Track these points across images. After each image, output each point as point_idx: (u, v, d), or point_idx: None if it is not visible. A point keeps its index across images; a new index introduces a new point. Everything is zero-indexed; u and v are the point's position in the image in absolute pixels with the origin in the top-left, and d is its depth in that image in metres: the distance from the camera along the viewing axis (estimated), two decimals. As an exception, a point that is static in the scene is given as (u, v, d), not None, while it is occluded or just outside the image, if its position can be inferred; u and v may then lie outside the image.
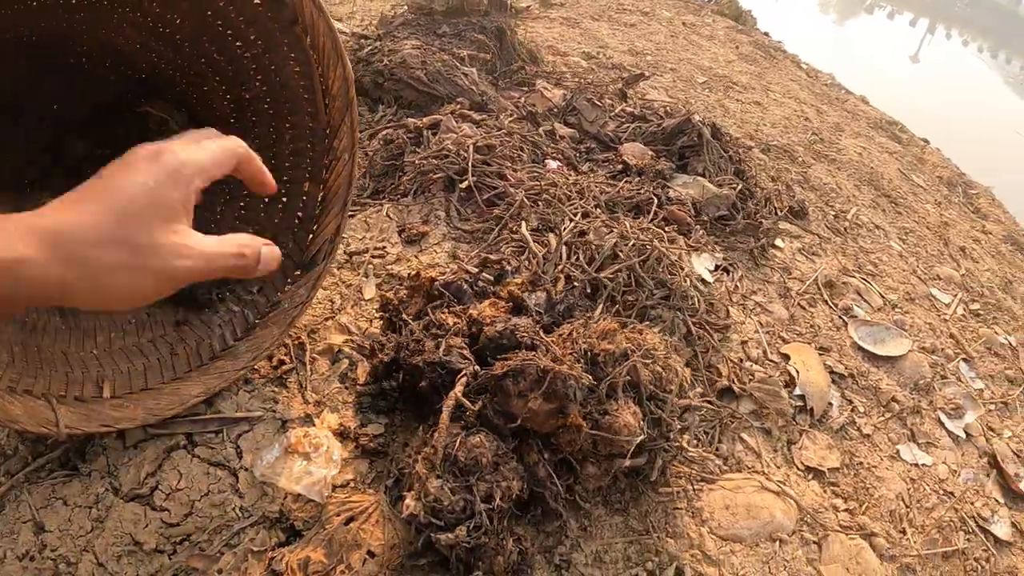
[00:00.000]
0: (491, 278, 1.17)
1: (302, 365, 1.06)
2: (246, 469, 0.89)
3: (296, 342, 1.09)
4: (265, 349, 1.00)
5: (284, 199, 1.06)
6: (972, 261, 2.03)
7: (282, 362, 1.06)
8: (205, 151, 0.53)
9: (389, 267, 1.31)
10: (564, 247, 1.36)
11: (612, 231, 1.41)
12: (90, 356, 0.89)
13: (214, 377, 0.94)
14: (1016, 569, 1.28)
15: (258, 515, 0.85)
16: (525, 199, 1.53)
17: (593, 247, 1.35)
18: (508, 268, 1.24)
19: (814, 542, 1.07)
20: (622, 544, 0.98)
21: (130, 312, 0.96)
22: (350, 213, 1.31)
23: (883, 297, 1.64)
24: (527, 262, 1.33)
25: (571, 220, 1.48)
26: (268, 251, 0.56)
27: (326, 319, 1.16)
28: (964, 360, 1.60)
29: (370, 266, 1.30)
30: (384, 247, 1.37)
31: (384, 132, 1.73)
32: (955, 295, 1.80)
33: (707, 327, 1.27)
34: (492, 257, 1.30)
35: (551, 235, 1.41)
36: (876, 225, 1.96)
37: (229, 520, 0.84)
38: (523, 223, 1.47)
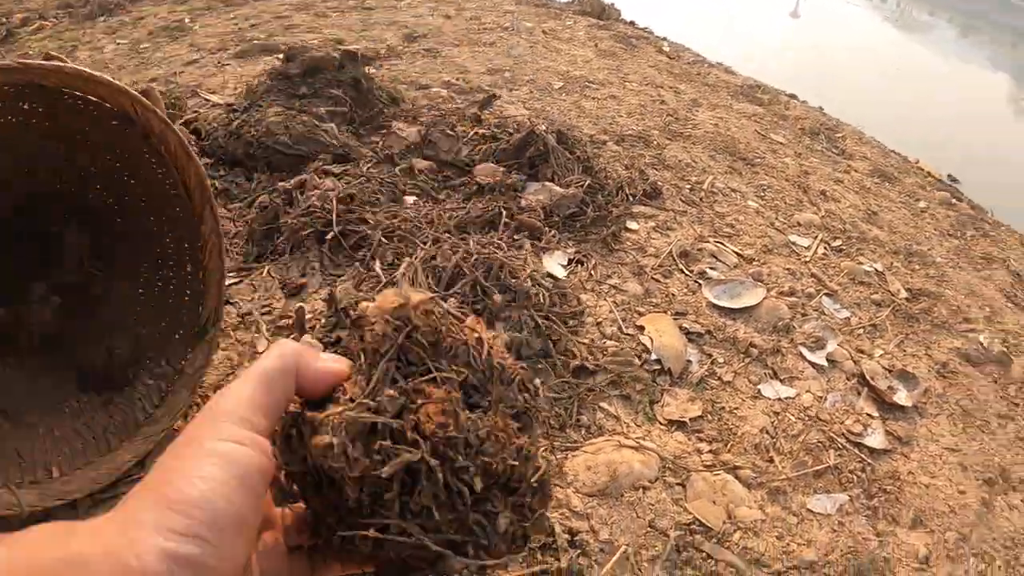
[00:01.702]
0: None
1: None
2: None
3: (205, 400, 1.30)
4: (179, 411, 1.26)
5: (173, 280, 1.33)
6: (833, 202, 2.33)
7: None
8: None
9: (276, 322, 1.52)
10: (416, 274, 1.57)
11: (457, 251, 1.62)
12: (38, 447, 1.14)
13: (141, 443, 1.20)
14: (897, 472, 1.52)
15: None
16: (382, 238, 1.75)
17: (440, 269, 1.56)
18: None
19: (678, 484, 1.28)
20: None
21: (64, 402, 1.24)
22: (237, 279, 1.65)
23: (739, 255, 1.90)
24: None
25: (422, 248, 1.69)
26: None
27: (228, 376, 1.41)
28: (827, 295, 1.87)
29: (260, 323, 1.52)
30: (270, 304, 1.61)
31: (259, 199, 1.93)
32: (815, 237, 2.08)
33: (555, 318, 1.49)
34: (342, 302, 1.51)
35: (402, 265, 1.62)
36: (732, 189, 2.24)
37: None
38: (376, 261, 1.69)
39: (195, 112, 2.41)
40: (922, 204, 2.73)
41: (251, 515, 0.34)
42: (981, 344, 2.02)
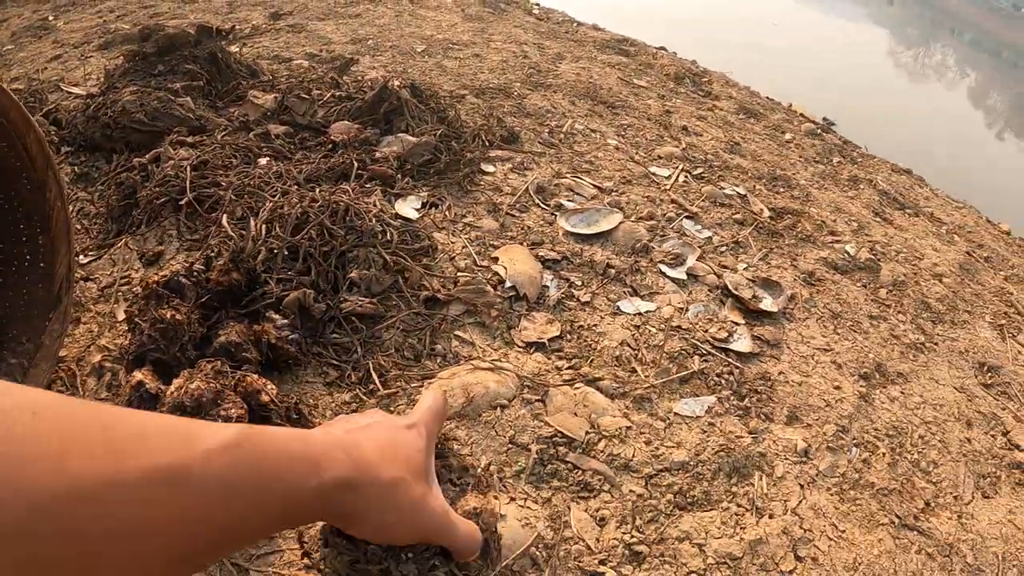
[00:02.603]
0: (202, 267, 1.37)
1: (75, 389, 1.32)
2: None
3: (68, 373, 1.34)
4: (41, 384, 1.25)
5: (27, 256, 1.31)
6: (695, 136, 2.41)
7: (59, 391, 1.29)
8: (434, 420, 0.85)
9: (135, 290, 1.55)
10: (264, 225, 1.56)
11: (304, 200, 1.61)
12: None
13: None
14: (768, 374, 1.58)
15: None
16: (232, 196, 1.73)
17: (286, 216, 1.55)
18: (211, 254, 1.44)
19: (537, 400, 1.28)
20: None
21: None
22: (97, 256, 1.68)
23: (598, 187, 1.93)
24: (225, 246, 1.51)
25: (270, 201, 1.67)
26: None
27: (89, 347, 1.40)
28: (688, 218, 1.92)
29: (119, 294, 1.53)
30: (128, 275, 1.63)
31: (119, 177, 1.89)
32: (676, 168, 2.14)
33: (404, 254, 1.48)
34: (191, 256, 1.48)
35: (252, 219, 1.60)
36: (592, 130, 2.29)
37: None
38: (224, 216, 1.67)
39: (56, 104, 2.38)
40: (788, 136, 2.85)
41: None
42: (848, 253, 2.12)
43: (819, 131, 3.13)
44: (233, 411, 1.11)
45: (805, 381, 1.61)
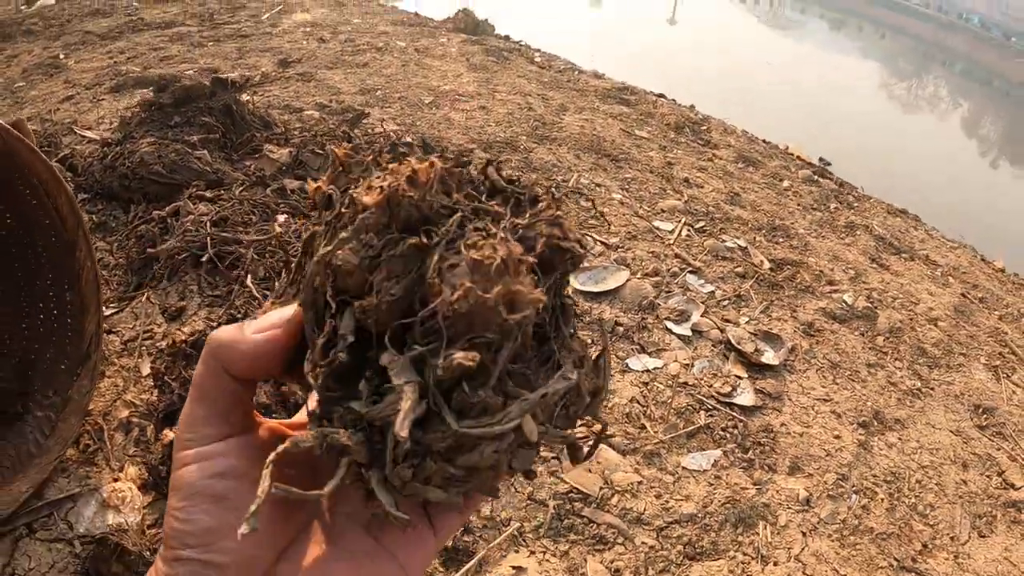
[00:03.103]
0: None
1: (103, 443, 1.41)
2: (79, 536, 1.21)
3: (95, 427, 1.44)
4: (71, 438, 1.34)
5: (54, 311, 1.40)
6: (696, 188, 2.53)
7: (88, 445, 1.41)
8: None
9: (158, 344, 1.64)
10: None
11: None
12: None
13: (35, 473, 1.27)
14: (770, 426, 1.68)
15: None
16: (253, 255, 1.85)
17: (306, 282, 1.67)
18: (238, 316, 1.55)
19: (553, 457, 1.38)
20: None
21: None
22: (118, 308, 1.77)
23: (604, 244, 2.05)
24: (250, 306, 1.63)
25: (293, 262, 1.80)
26: None
27: (115, 401, 1.50)
28: (691, 272, 2.04)
29: (143, 348, 1.64)
30: (151, 329, 1.72)
31: (136, 229, 2.01)
32: (679, 221, 2.26)
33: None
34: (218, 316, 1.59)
35: (277, 282, 1.72)
36: (597, 184, 2.41)
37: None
38: (248, 276, 1.78)
39: (71, 149, 2.48)
40: (786, 183, 2.98)
41: (222, 518, 0.36)
42: (846, 302, 2.23)
43: (816, 177, 3.26)
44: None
45: (806, 431, 1.71)
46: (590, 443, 0.41)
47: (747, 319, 1.96)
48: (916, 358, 2.17)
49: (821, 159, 4.27)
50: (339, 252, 0.36)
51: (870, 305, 2.26)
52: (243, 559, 0.36)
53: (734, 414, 1.65)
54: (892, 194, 3.75)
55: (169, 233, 2.00)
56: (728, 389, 1.69)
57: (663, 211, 2.33)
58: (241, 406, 0.39)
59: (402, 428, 0.32)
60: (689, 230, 2.26)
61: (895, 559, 1.56)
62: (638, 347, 1.72)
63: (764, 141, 3.90)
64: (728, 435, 1.60)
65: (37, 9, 5.17)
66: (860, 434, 1.79)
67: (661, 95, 3.89)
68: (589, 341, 0.78)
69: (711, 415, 1.61)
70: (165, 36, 4.20)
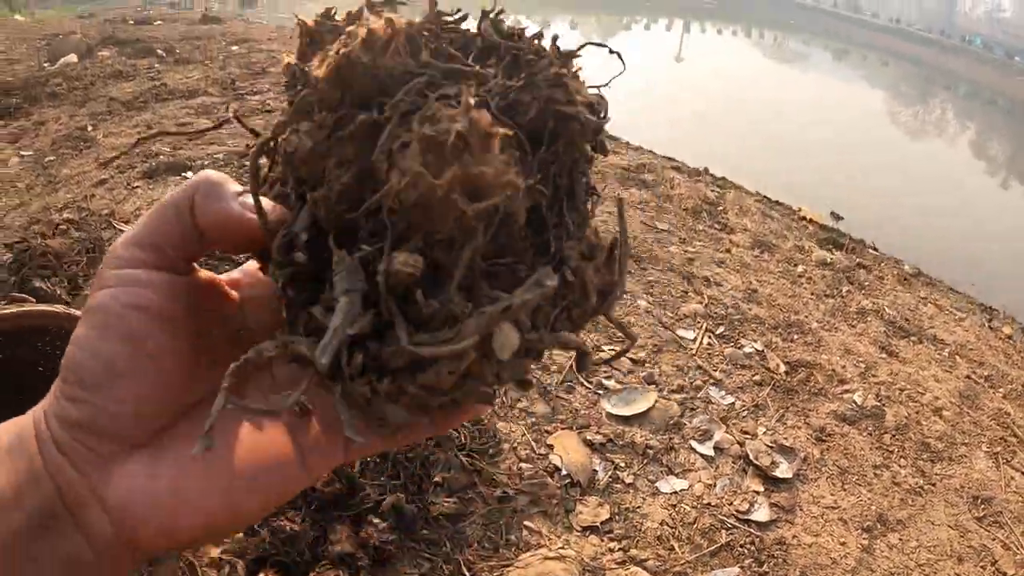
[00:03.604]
0: None
1: None
2: None
3: (187, 563, 1.60)
4: None
5: None
6: (716, 287, 2.77)
7: None
8: None
9: None
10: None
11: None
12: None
13: None
14: (783, 539, 1.91)
15: None
16: None
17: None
18: None
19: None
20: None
21: None
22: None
23: (633, 359, 2.29)
24: None
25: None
26: None
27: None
28: (713, 384, 2.27)
29: None
30: None
31: None
32: (700, 327, 2.50)
33: (476, 454, 1.84)
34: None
35: None
36: (626, 291, 2.65)
37: None
38: None
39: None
40: (800, 269, 3.21)
41: (132, 359, 0.33)
42: (855, 403, 2.46)
43: (829, 250, 3.49)
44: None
45: (815, 541, 1.94)
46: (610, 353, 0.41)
47: (764, 429, 2.19)
48: (920, 454, 2.39)
49: (833, 213, 4.50)
50: (292, 137, 0.33)
51: (878, 404, 2.49)
52: (143, 411, 0.34)
53: (751, 530, 1.88)
54: (903, 239, 3.99)
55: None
56: (746, 507, 1.92)
57: (686, 317, 2.57)
58: (186, 251, 0.36)
59: (323, 354, 0.29)
60: (710, 337, 2.49)
61: (896, 660, 1.79)
62: (666, 469, 1.96)
63: (778, 203, 4.14)
64: (745, 551, 1.83)
65: (59, 68, 5.29)
66: (864, 539, 2.02)
67: (676, 168, 4.13)
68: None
69: (731, 533, 1.85)
70: (191, 108, 4.28)
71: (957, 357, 3.04)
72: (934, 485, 2.31)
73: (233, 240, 0.35)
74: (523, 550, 1.69)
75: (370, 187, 0.30)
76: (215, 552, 1.68)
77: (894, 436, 2.41)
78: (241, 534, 1.72)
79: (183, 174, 3.29)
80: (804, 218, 4.14)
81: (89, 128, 3.99)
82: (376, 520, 1.70)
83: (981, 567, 2.09)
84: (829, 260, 3.39)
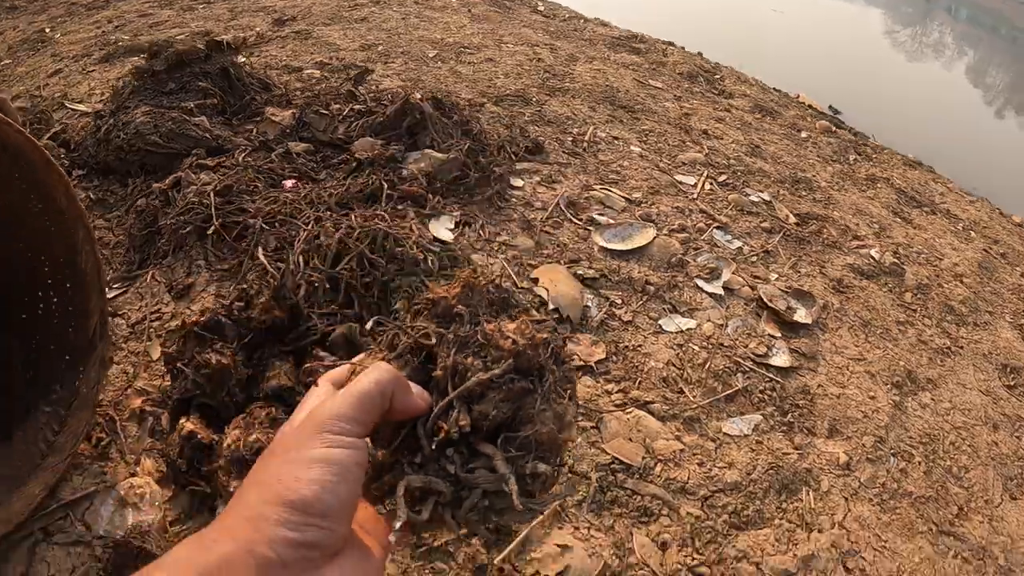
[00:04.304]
0: (242, 305, 1.38)
1: (116, 435, 1.31)
2: (98, 538, 1.13)
3: (107, 419, 1.34)
4: (81, 433, 1.24)
5: (54, 299, 1.29)
6: (716, 139, 2.45)
7: (100, 439, 1.31)
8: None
9: (167, 326, 1.53)
10: (300, 257, 1.58)
11: (340, 227, 1.64)
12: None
13: (48, 473, 1.18)
14: (807, 387, 1.63)
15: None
16: (263, 225, 1.75)
17: (324, 247, 1.57)
18: (250, 291, 1.44)
19: (592, 427, 1.33)
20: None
21: None
22: (123, 289, 1.65)
23: (627, 199, 1.98)
24: (267, 282, 1.53)
25: (304, 230, 1.69)
26: None
27: (126, 389, 1.40)
28: (718, 228, 1.97)
29: (151, 330, 1.53)
30: (159, 309, 1.61)
31: (136, 204, 1.90)
32: (701, 175, 2.19)
33: (446, 279, 1.52)
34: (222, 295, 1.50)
35: (288, 251, 1.62)
36: (615, 137, 2.33)
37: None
38: (259, 248, 1.69)
39: (63, 124, 2.34)
40: (804, 134, 2.90)
41: (351, 499, 0.45)
42: (873, 258, 2.17)
43: (832, 128, 3.19)
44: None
45: (842, 393, 1.67)
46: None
47: (776, 276, 1.90)
48: (944, 316, 2.13)
49: (831, 107, 4.20)
50: (475, 387, 0.51)
51: (897, 261, 2.21)
52: (347, 532, 0.46)
53: (771, 376, 1.60)
54: (903, 143, 3.69)
55: (171, 206, 1.89)
56: (763, 350, 1.64)
57: (684, 164, 2.26)
58: (375, 423, 0.50)
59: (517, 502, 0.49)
60: (712, 184, 2.18)
61: (934, 523, 1.53)
62: (670, 307, 1.66)
63: (776, 90, 3.81)
64: (767, 398, 1.55)
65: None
66: (895, 395, 1.75)
67: (669, 43, 3.78)
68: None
69: (748, 378, 1.56)
70: (153, 1, 4.02)
71: (972, 232, 2.77)
72: (961, 348, 2.05)
73: (404, 417, 0.51)
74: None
75: (520, 419, 0.52)
76: (136, 403, 1.37)
77: (915, 295, 2.14)
78: (166, 379, 1.42)
79: (141, 55, 2.95)
80: (804, 102, 3.83)
81: (47, 30, 3.71)
82: (323, 353, 1.38)
83: (1016, 437, 1.84)
84: (834, 130, 3.08)
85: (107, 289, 1.38)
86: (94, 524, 1.17)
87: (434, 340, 0.54)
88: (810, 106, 3.78)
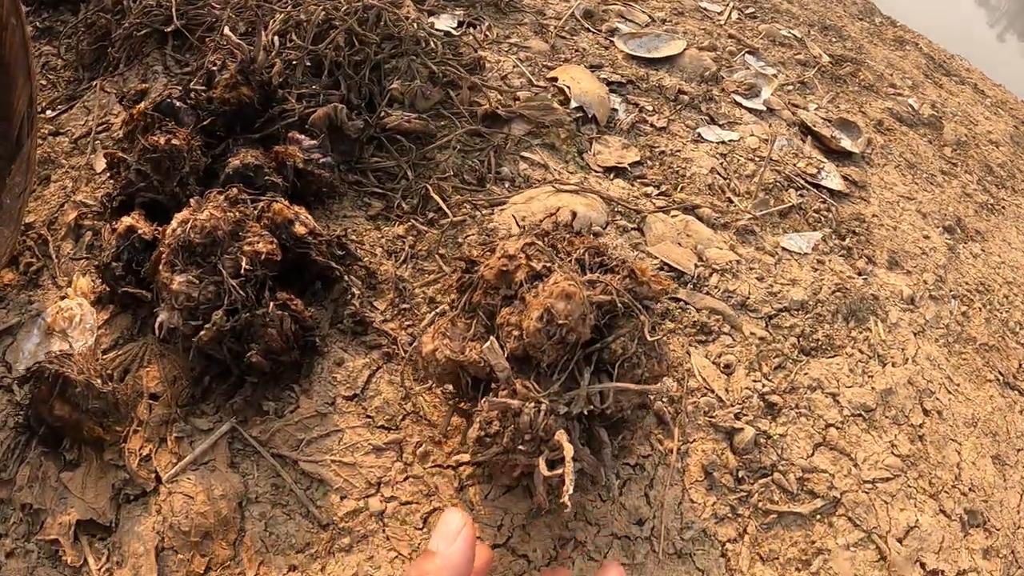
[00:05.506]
0: (203, 86, 1.12)
1: (49, 259, 1.06)
2: (20, 378, 0.90)
3: (39, 240, 1.08)
4: (5, 255, 1.00)
5: None
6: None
7: (29, 264, 1.06)
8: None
9: (115, 135, 1.25)
10: (276, 37, 1.30)
11: (322, 4, 1.35)
12: None
13: None
14: (862, 215, 1.42)
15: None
16: (231, 14, 1.45)
17: (305, 25, 1.29)
18: (213, 68, 1.17)
19: (633, 228, 1.09)
20: (419, 290, 0.94)
21: None
22: (68, 106, 1.37)
23: (649, 15, 1.71)
24: (231, 57, 1.25)
25: (281, 12, 1.40)
26: None
27: (62, 206, 1.14)
28: (749, 53, 1.72)
29: (97, 142, 1.24)
30: (107, 120, 1.31)
31: (88, 20, 1.58)
32: (727, 3, 1.92)
33: (452, 64, 1.25)
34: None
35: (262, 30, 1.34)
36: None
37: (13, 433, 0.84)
38: (226, 27, 1.39)
39: None
40: (824, -7, 2.65)
41: None
42: (912, 107, 1.95)
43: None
44: (260, 245, 0.85)
45: (897, 227, 1.46)
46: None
47: (815, 106, 1.66)
48: (984, 175, 1.93)
49: None
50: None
51: (935, 114, 1.99)
52: None
53: (824, 196, 1.38)
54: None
55: (126, 16, 1.58)
56: (814, 171, 1.41)
57: (706, -8, 1.99)
58: None
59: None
60: (739, 14, 1.92)
61: (1000, 373, 1.35)
62: (707, 118, 1.41)
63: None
64: (822, 218, 1.33)
65: None
66: (947, 239, 1.55)
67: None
68: None
69: (802, 195, 1.34)
70: None
71: (1000, 109, 2.57)
72: (1004, 208, 1.86)
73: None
74: (521, 188, 1.13)
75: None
76: (72, 215, 1.09)
77: (955, 150, 1.93)
78: (105, 177, 1.15)
79: None
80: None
81: None
82: (300, 136, 1.10)
83: (1060, 299, 1.66)
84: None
85: (42, 104, 1.22)
86: (16, 362, 0.92)
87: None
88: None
